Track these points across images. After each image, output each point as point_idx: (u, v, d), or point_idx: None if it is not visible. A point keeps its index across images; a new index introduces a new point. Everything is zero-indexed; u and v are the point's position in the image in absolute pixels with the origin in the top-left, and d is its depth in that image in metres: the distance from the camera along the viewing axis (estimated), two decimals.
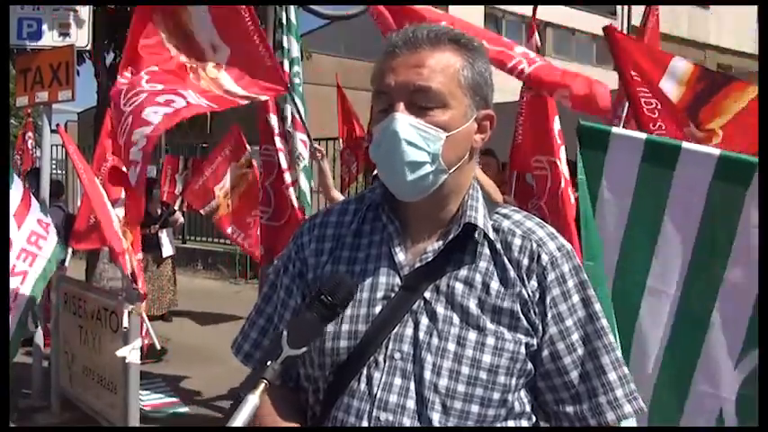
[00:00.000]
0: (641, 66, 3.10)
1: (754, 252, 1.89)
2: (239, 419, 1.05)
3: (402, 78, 1.19)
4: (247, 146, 6.47)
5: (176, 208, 7.66)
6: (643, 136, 2.07)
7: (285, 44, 4.35)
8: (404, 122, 1.17)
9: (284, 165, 4.16)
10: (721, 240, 1.94)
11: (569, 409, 1.24)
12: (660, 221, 1.99)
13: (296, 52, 4.35)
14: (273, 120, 4.15)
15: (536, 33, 4.63)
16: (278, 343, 1.13)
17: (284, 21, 4.35)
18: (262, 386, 1.09)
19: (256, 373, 1.11)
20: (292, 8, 4.38)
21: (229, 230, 6.51)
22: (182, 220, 7.72)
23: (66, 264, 5.60)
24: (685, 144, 2.01)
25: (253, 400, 1.07)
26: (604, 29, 3.25)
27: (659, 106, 3.01)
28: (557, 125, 3.78)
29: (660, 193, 1.98)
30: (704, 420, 2.01)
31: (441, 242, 1.24)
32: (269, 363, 1.11)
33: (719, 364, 1.99)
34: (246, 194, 6.37)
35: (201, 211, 6.75)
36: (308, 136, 4.26)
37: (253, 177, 6.30)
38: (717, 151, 1.98)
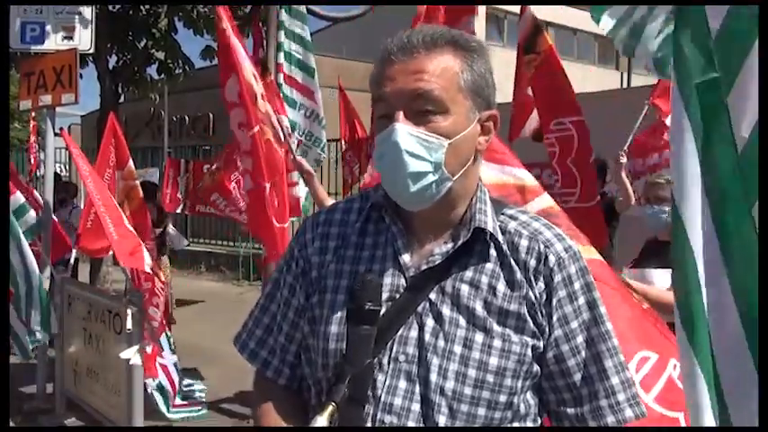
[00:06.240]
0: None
1: None
2: None
3: (400, 86, 1.16)
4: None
5: (179, 210, 7.65)
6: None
7: (286, 47, 4.39)
8: (404, 133, 1.15)
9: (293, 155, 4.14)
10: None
11: (570, 410, 1.24)
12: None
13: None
14: (285, 121, 4.14)
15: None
16: (341, 366, 1.16)
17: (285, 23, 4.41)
18: (330, 408, 1.12)
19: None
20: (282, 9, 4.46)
21: (212, 198, 6.47)
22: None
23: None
24: None
25: (321, 422, 1.11)
26: None
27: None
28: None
29: None
30: None
31: (449, 245, 1.22)
32: (337, 385, 1.15)
33: None
34: (227, 166, 6.30)
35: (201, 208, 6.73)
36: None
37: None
38: None
